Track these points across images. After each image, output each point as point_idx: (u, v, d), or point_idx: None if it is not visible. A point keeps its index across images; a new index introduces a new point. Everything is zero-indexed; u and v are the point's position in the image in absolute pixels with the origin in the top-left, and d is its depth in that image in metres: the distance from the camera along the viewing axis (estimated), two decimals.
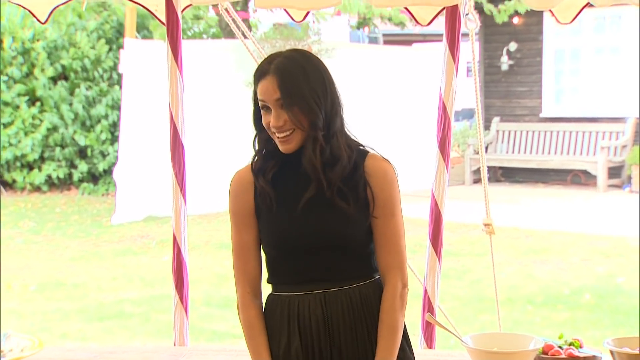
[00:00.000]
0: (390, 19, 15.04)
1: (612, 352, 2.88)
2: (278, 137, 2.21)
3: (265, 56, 4.00)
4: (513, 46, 14.49)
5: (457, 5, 3.57)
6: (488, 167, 15.84)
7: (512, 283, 7.32)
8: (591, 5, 3.41)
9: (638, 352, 2.85)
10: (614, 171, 13.28)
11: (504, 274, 7.48)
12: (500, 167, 14.38)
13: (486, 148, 14.42)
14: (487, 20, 14.36)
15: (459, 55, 3.63)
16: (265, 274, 2.36)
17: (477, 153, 14.04)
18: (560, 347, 3.04)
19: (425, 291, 3.61)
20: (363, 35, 18.93)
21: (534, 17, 13.87)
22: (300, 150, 2.23)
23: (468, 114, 17.84)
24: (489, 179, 14.39)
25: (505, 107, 14.75)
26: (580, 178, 13.64)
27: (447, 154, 3.67)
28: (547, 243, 9.12)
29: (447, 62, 3.59)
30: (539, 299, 6.87)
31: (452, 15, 3.58)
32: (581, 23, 13.70)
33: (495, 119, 14.66)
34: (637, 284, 7.22)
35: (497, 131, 14.63)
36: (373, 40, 19.75)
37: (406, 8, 3.74)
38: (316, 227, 2.23)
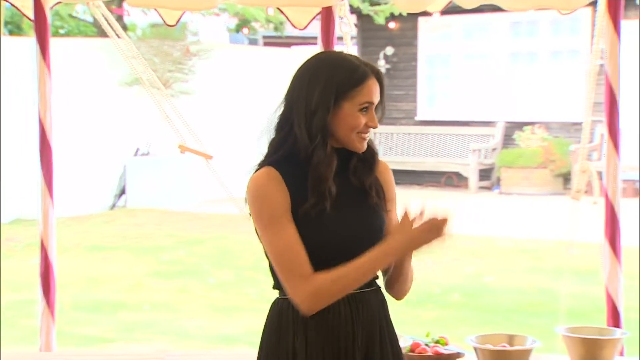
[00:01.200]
0: (269, 21, 15.07)
1: (475, 349, 2.98)
2: (363, 137, 2.25)
3: (139, 56, 3.93)
4: (390, 50, 14.77)
5: (332, 9, 3.61)
6: None
7: None
8: (459, 10, 3.51)
9: (499, 348, 2.95)
10: (485, 173, 13.72)
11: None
12: None
13: None
14: (364, 24, 14.59)
15: None
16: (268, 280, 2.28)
17: None
18: (427, 345, 3.13)
19: None
20: (242, 36, 18.88)
21: (409, 22, 14.18)
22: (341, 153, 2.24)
23: None
24: None
25: None
26: (453, 180, 14.03)
27: None
28: None
29: None
30: (411, 298, 7.00)
31: (327, 18, 3.62)
32: (451, 29, 14.11)
33: None
34: (503, 283, 7.49)
35: (375, 134, 14.82)
36: (253, 42, 19.74)
37: (282, 11, 3.76)
38: (365, 228, 2.22)
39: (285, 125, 2.22)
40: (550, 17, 12.49)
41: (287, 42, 18.68)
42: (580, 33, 12.74)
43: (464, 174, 13.66)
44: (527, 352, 2.91)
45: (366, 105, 2.22)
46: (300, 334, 2.18)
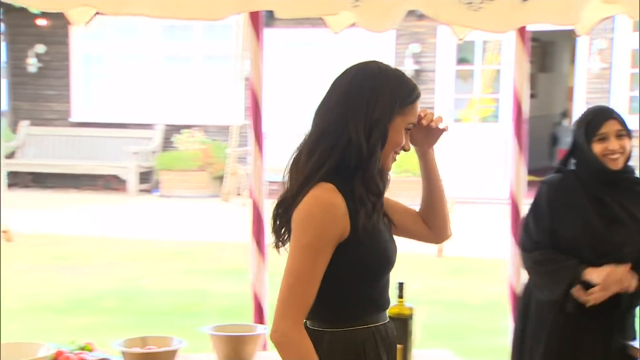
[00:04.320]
0: None
1: (123, 353, 2.93)
2: (395, 157, 2.24)
3: None
4: (41, 49, 14.19)
5: None
6: (18, 172, 15.23)
7: (34, 291, 7.13)
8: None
9: (146, 350, 2.93)
10: (145, 176, 13.66)
11: (24, 282, 7.27)
12: (31, 173, 13.97)
13: (15, 153, 13.96)
14: (12, 20, 13.84)
15: None
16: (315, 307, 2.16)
17: (8, 158, 13.47)
18: (72, 352, 3.02)
19: None
20: None
21: (61, 21, 13.67)
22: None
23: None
24: (18, 185, 13.90)
25: (35, 111, 14.39)
26: (112, 183, 13.80)
27: None
28: (74, 248, 9.05)
29: None
30: (63, 306, 6.78)
31: None
32: (105, 29, 13.78)
33: (24, 123, 14.22)
34: (158, 286, 7.50)
35: (27, 135, 14.19)
36: None
37: None
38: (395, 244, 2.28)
39: (337, 130, 2.10)
40: (204, 22, 12.72)
41: None
42: (231, 38, 13.14)
43: (123, 177, 13.50)
44: (172, 353, 2.91)
45: (411, 125, 2.21)
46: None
